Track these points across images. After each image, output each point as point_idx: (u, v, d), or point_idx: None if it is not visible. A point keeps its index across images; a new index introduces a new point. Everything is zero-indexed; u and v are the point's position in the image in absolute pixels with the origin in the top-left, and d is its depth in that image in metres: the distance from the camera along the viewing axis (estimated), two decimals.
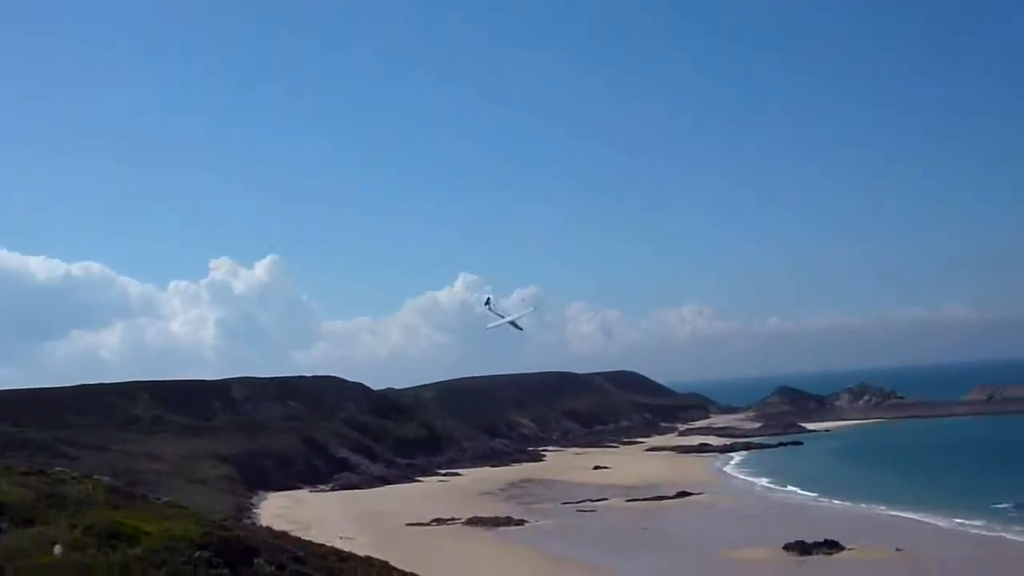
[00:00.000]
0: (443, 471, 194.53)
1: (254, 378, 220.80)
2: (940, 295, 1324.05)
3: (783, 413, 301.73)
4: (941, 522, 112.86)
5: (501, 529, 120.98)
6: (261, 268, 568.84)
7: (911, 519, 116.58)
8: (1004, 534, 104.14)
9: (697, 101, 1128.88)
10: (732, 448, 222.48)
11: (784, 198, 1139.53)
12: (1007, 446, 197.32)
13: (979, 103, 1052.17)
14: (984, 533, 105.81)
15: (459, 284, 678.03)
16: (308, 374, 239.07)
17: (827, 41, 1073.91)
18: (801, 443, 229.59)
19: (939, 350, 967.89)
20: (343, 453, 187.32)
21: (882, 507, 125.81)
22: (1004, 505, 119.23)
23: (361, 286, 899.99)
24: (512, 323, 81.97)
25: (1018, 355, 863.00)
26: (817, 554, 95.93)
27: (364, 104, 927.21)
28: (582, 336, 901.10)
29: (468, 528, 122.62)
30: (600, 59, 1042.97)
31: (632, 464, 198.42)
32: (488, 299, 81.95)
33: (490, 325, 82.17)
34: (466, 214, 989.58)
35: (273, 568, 36.40)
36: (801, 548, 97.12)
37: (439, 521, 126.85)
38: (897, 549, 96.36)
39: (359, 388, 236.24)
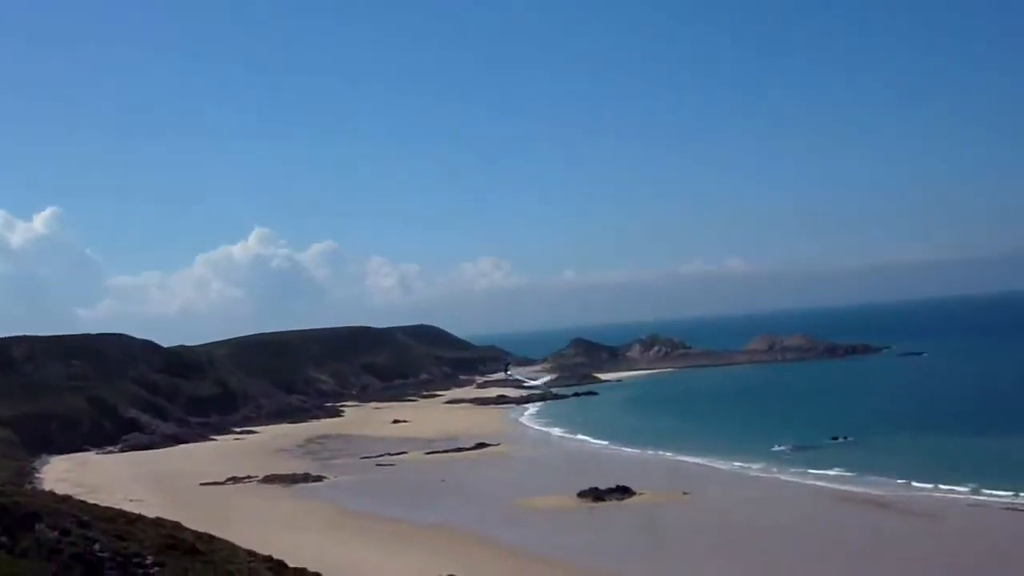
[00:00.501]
0: (239, 429, 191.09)
1: (34, 337, 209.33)
2: (721, 249, 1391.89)
3: (578, 364, 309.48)
4: (724, 465, 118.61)
5: (299, 486, 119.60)
6: (40, 221, 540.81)
7: (697, 463, 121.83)
8: (780, 475, 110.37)
9: (481, 50, 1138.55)
10: (528, 399, 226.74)
11: (575, 158, 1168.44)
12: (786, 392, 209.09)
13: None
14: (761, 475, 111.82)
15: (253, 238, 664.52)
16: (93, 332, 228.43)
17: None
18: (596, 393, 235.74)
19: (723, 302, 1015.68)
20: (132, 413, 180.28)
21: (669, 453, 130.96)
22: (782, 448, 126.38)
23: (150, 240, 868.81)
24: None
25: (794, 305, 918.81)
26: (610, 500, 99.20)
27: (139, 53, 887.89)
28: (382, 290, 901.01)
29: (265, 486, 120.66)
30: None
31: (431, 417, 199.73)
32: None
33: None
34: (261, 166, 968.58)
35: (56, 533, 34.68)
36: (594, 495, 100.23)
37: (235, 480, 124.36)
38: (684, 493, 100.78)
39: (148, 345, 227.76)
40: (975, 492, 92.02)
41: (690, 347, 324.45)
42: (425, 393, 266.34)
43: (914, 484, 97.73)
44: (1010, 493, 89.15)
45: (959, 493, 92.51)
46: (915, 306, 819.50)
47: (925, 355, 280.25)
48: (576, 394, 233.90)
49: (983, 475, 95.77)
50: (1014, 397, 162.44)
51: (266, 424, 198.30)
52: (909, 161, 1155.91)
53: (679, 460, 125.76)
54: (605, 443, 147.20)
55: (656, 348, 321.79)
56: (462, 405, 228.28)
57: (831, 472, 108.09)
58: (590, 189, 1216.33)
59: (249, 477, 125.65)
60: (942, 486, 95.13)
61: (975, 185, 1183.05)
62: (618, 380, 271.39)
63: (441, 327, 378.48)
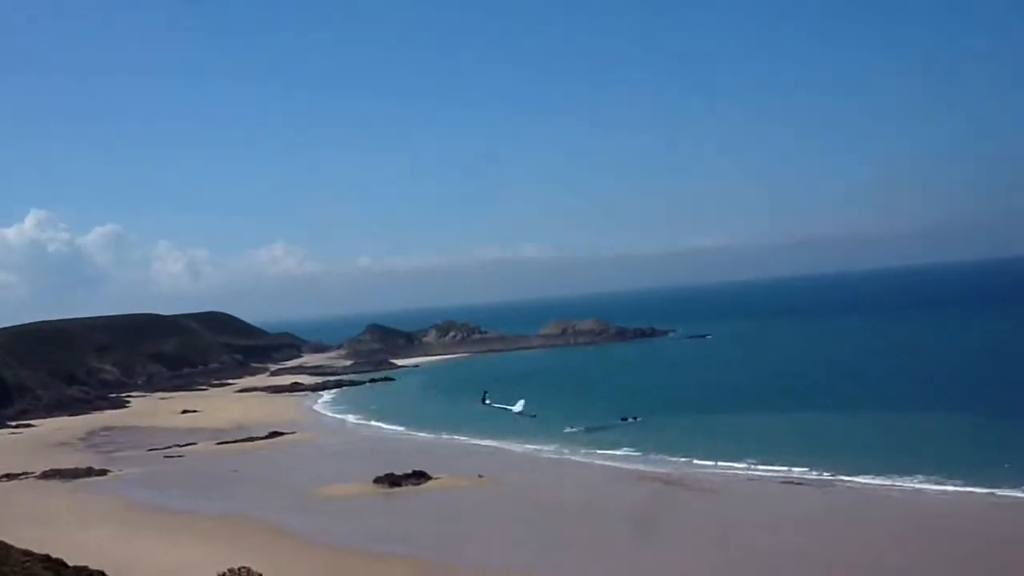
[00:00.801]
0: (14, 423, 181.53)
1: None
2: (517, 235, 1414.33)
3: (374, 350, 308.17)
4: (518, 448, 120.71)
5: (81, 480, 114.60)
6: None
7: (491, 446, 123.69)
8: (571, 456, 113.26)
9: None
10: (324, 386, 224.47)
11: (368, 144, 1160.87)
12: (578, 375, 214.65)
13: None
14: (553, 456, 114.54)
15: (29, 221, 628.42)
16: None
17: None
18: (392, 379, 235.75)
19: (518, 288, 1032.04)
20: None
21: (465, 437, 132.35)
22: (574, 429, 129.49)
23: None
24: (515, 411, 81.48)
25: (587, 291, 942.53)
26: (406, 485, 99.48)
27: None
28: (169, 276, 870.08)
29: (43, 482, 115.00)
30: None
31: (222, 407, 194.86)
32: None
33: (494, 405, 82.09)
34: (40, 146, 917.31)
35: None
36: (391, 480, 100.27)
37: (9, 476, 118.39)
38: (480, 476, 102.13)
39: None
40: (752, 467, 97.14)
41: (486, 332, 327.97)
42: (216, 382, 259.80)
43: (695, 462, 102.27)
44: (784, 468, 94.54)
45: (738, 469, 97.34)
46: (709, 290, 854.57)
47: (709, 337, 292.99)
48: (372, 380, 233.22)
49: (760, 452, 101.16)
50: (792, 376, 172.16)
51: (45, 417, 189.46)
52: (702, 154, 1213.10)
53: (474, 444, 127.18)
54: (401, 429, 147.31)
55: (452, 333, 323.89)
56: (255, 394, 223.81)
57: (620, 452, 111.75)
58: (385, 176, 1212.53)
59: (26, 473, 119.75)
60: (721, 463, 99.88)
61: (763, 179, 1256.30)
62: (415, 365, 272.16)
63: (232, 314, 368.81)
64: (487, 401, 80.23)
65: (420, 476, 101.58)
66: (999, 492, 78.62)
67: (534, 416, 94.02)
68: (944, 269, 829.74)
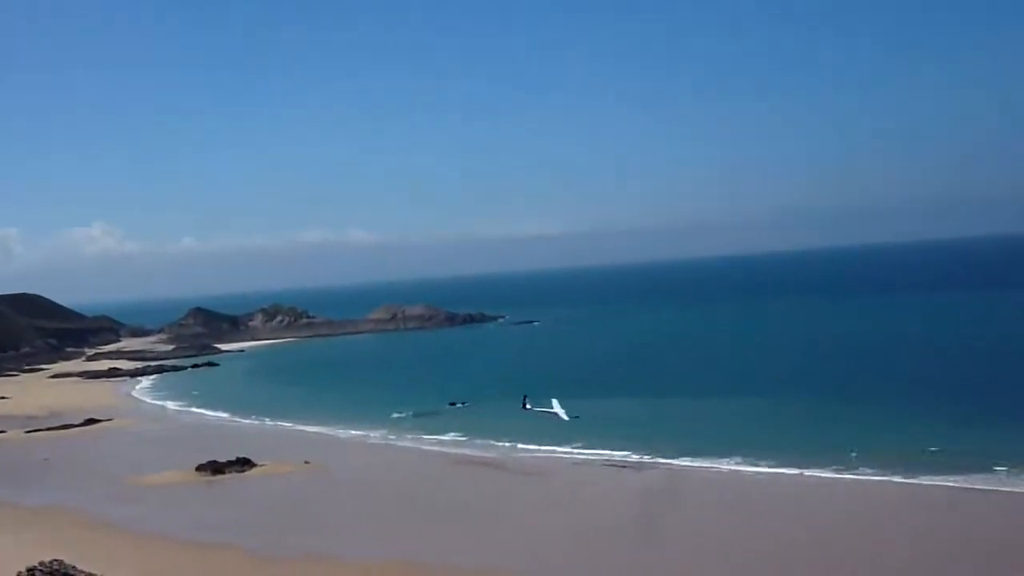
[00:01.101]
0: None
1: None
2: (343, 218, 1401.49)
3: (197, 335, 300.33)
4: (344, 434, 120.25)
5: None
6: None
7: (318, 432, 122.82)
8: (398, 442, 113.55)
9: None
10: (144, 372, 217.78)
11: (191, 123, 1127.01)
12: (407, 360, 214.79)
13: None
14: (381, 442, 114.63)
15: None
16: None
17: None
18: (217, 364, 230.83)
19: (347, 272, 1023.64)
20: None
21: (290, 423, 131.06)
22: (401, 415, 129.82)
23: None
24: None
25: (415, 275, 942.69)
26: (230, 473, 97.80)
27: None
28: None
29: None
30: None
31: (34, 393, 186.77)
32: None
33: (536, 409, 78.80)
34: None
35: None
36: (214, 468, 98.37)
37: None
38: (306, 462, 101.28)
39: None
40: (577, 451, 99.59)
41: (314, 316, 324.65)
42: (27, 367, 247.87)
43: (520, 446, 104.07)
44: (607, 451, 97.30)
45: (562, 453, 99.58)
46: (538, 277, 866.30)
47: (537, 323, 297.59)
48: (195, 366, 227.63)
49: (584, 435, 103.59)
50: (616, 362, 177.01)
51: None
52: (541, 142, 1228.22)
53: (300, 430, 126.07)
54: (225, 415, 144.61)
55: (279, 318, 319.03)
56: (70, 379, 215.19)
57: (447, 437, 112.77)
58: (210, 155, 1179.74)
59: None
60: (546, 447, 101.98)
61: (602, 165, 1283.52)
62: (240, 350, 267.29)
63: (46, 296, 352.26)
64: (527, 406, 78.89)
65: (244, 463, 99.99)
66: (807, 472, 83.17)
67: (577, 418, 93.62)
68: (789, 257, 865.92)
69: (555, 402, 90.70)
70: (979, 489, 74.28)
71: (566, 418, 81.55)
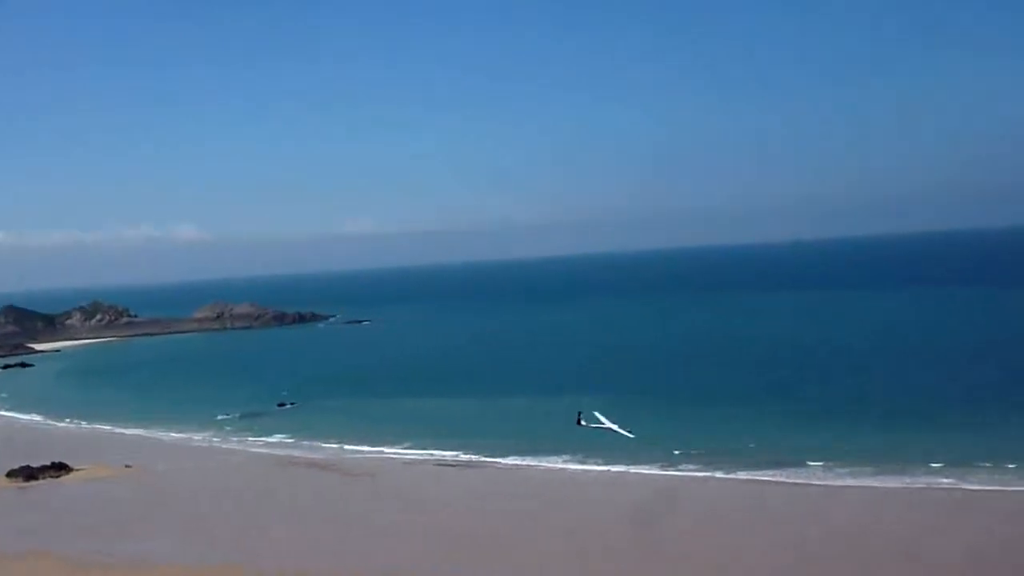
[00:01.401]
0: None
1: None
2: (172, 215, 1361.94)
3: (9, 334, 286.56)
4: (166, 436, 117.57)
5: None
6: None
7: (139, 435, 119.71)
8: (223, 444, 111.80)
9: None
10: None
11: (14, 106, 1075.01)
12: (234, 360, 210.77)
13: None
14: (204, 444, 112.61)
15: None
16: None
17: None
18: (31, 365, 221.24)
19: (172, 269, 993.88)
20: None
21: (110, 426, 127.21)
22: (227, 416, 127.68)
23: None
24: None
25: (243, 274, 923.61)
26: (44, 478, 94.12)
27: None
28: None
29: None
30: None
31: None
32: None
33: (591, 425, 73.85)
34: None
35: None
36: (27, 474, 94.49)
37: None
38: (126, 465, 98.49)
39: None
40: (406, 451, 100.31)
41: (136, 315, 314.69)
42: None
43: (346, 447, 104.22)
44: (437, 452, 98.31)
45: (391, 453, 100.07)
46: (366, 275, 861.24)
47: (367, 323, 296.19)
48: (6, 366, 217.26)
49: (413, 436, 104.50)
50: (445, 362, 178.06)
51: None
52: (376, 144, 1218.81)
53: (121, 433, 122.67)
54: (39, 418, 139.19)
55: (99, 316, 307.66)
56: None
57: (273, 439, 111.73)
58: (30, 142, 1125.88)
59: None
60: (375, 447, 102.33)
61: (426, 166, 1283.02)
62: (56, 350, 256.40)
63: None
64: (583, 422, 76.32)
65: (60, 468, 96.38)
66: (633, 469, 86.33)
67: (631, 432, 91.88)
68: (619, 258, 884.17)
69: (602, 417, 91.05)
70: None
71: (628, 435, 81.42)
